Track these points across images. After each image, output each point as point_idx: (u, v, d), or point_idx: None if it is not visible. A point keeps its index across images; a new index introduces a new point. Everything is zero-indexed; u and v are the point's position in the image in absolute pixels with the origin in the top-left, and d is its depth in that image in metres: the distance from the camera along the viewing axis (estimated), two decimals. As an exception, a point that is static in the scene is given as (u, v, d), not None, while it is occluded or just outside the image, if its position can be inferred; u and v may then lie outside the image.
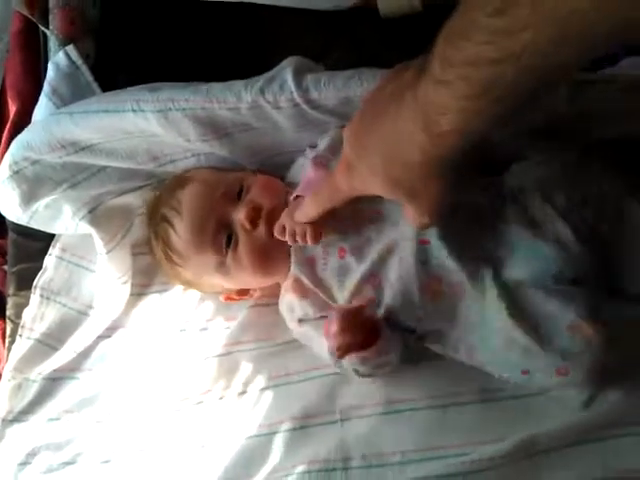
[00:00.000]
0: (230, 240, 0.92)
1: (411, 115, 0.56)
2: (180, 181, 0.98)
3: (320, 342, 0.89)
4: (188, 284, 1.04)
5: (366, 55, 1.05)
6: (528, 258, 0.80)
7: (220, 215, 0.93)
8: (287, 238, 0.86)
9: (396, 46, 1.01)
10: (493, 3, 0.44)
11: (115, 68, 1.09)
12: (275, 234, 0.87)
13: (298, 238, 0.84)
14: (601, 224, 0.81)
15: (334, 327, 0.80)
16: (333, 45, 1.07)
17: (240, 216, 0.91)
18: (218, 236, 0.92)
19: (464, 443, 0.85)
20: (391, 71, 0.65)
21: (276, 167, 1.02)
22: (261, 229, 0.91)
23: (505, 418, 0.86)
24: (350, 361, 0.83)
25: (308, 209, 0.82)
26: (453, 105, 0.52)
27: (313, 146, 0.96)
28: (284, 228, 0.86)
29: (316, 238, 0.84)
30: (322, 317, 0.91)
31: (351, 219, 0.88)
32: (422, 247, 0.83)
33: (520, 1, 0.43)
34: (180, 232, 0.94)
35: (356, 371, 0.87)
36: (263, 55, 1.02)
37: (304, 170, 0.93)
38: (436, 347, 0.88)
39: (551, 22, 0.43)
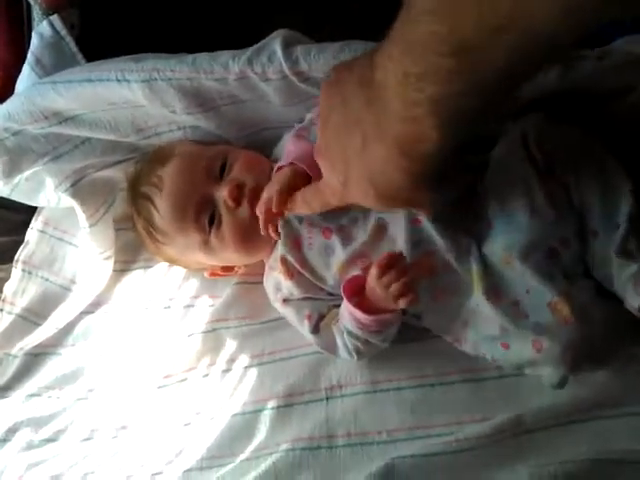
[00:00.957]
0: (213, 218, 0.92)
1: (379, 137, 0.57)
2: (161, 156, 0.97)
3: (302, 322, 0.90)
4: (172, 261, 1.03)
5: (357, 30, 1.04)
6: (504, 229, 0.80)
7: (202, 193, 0.92)
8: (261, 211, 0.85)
9: (387, 22, 1.00)
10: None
11: (100, 39, 1.07)
12: (257, 213, 0.86)
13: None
14: (577, 192, 0.80)
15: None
16: (323, 20, 1.06)
17: (223, 194, 0.90)
18: (201, 215, 0.92)
19: (450, 422, 0.85)
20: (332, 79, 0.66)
21: (263, 143, 1.01)
22: (244, 207, 0.90)
23: (491, 398, 0.86)
24: (368, 329, 0.83)
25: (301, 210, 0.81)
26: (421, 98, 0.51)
27: (301, 121, 0.95)
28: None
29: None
30: (307, 298, 0.91)
31: None
32: (414, 227, 0.83)
33: None
34: (162, 210, 0.93)
35: (356, 348, 0.86)
36: (250, 31, 1.00)
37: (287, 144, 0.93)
38: (431, 326, 0.89)
39: None
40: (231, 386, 0.96)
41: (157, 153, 0.99)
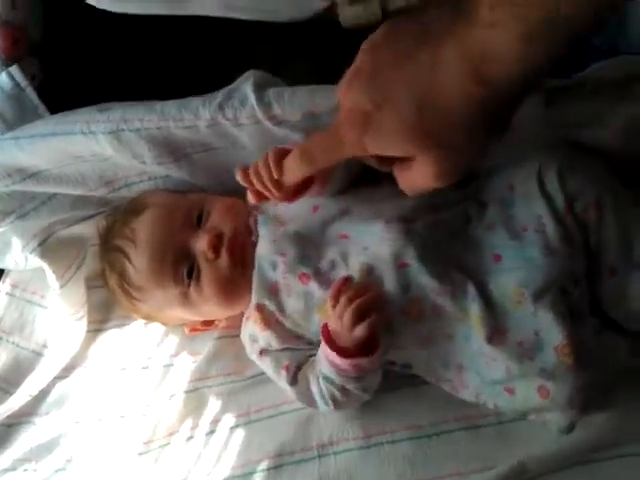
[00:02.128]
0: (192, 271, 0.89)
1: (453, 61, 0.53)
2: (134, 208, 0.94)
3: (279, 374, 0.87)
4: (149, 318, 1.00)
5: (326, 66, 1.03)
6: (516, 264, 0.78)
7: (180, 244, 0.89)
8: (254, 183, 0.78)
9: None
10: None
11: (63, 89, 1.05)
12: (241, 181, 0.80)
13: (268, 187, 0.76)
14: (596, 231, 0.79)
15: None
16: (291, 56, 1.04)
17: (201, 245, 0.88)
18: (179, 267, 0.89)
19: (451, 474, 0.83)
20: (393, 21, 0.61)
21: (238, 188, 0.95)
22: (224, 257, 0.88)
23: (492, 445, 0.85)
24: (344, 374, 0.80)
25: (292, 167, 0.71)
26: (503, 49, 0.50)
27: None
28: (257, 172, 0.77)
29: (287, 198, 0.79)
30: (286, 349, 0.88)
31: (310, 241, 0.86)
32: (402, 271, 0.80)
33: None
34: (137, 264, 0.90)
35: (332, 395, 0.83)
36: (217, 69, 0.99)
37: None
38: (424, 374, 0.87)
39: None
40: (217, 449, 0.92)
41: (130, 205, 0.96)
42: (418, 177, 0.61)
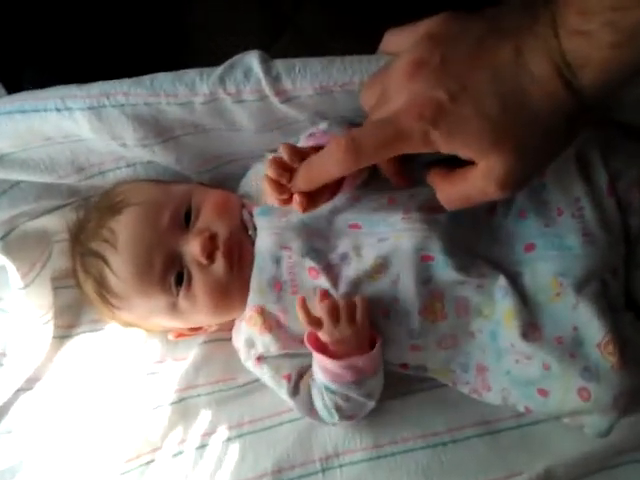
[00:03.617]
0: (181, 277, 0.82)
1: (539, 62, 0.52)
2: (110, 204, 0.85)
3: (280, 384, 0.82)
4: (129, 325, 0.92)
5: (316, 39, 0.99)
6: (553, 254, 0.74)
7: (167, 249, 0.82)
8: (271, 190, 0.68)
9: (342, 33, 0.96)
10: None
11: (20, 63, 0.97)
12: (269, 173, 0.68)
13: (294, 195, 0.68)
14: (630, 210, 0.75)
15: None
16: (280, 28, 0.99)
17: (193, 249, 0.80)
18: (167, 274, 0.82)
19: None
20: (452, 14, 0.60)
21: (227, 177, 0.93)
22: (219, 262, 0.81)
23: (513, 452, 0.82)
24: (341, 380, 0.76)
25: (328, 163, 0.63)
26: (595, 56, 0.50)
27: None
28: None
29: (308, 206, 0.68)
30: (285, 355, 0.82)
31: (317, 231, 0.80)
32: (424, 265, 0.75)
33: None
34: (118, 272, 0.82)
35: (335, 404, 0.79)
36: (195, 44, 0.93)
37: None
38: (441, 377, 0.83)
39: None
40: (208, 466, 0.85)
41: (107, 200, 0.87)
42: (477, 184, 0.58)
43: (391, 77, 0.59)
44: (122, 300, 0.85)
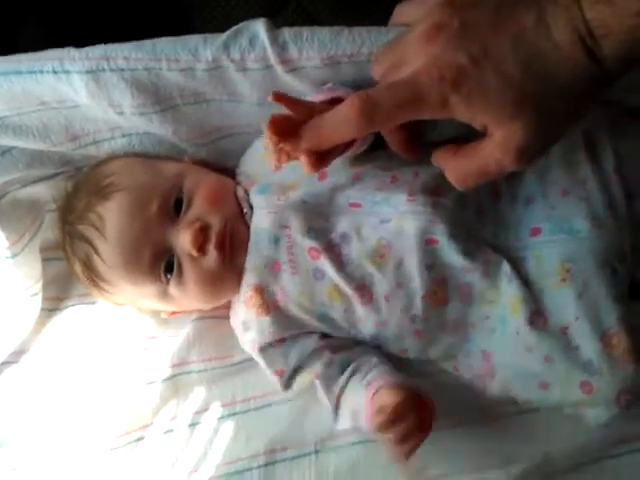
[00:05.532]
0: (171, 265, 0.81)
1: (562, 29, 0.52)
2: (100, 186, 0.83)
3: (271, 376, 0.83)
4: (119, 304, 0.91)
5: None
6: (559, 237, 0.74)
7: (157, 239, 0.81)
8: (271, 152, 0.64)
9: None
10: None
11: (15, 23, 0.95)
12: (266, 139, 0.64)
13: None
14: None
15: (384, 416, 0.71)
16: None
17: (184, 241, 0.79)
18: (156, 264, 0.81)
19: (469, 469, 0.80)
20: None
21: (227, 151, 0.91)
22: (211, 255, 0.80)
23: (511, 438, 0.82)
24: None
25: (341, 122, 0.59)
26: (619, 24, 0.49)
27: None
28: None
29: (317, 165, 0.64)
30: (282, 339, 0.82)
31: (317, 210, 0.79)
32: (429, 248, 0.74)
33: None
34: (107, 260, 0.81)
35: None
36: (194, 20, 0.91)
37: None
38: (444, 363, 0.83)
39: None
40: (200, 443, 0.85)
41: (93, 180, 0.85)
42: (492, 155, 0.57)
43: (408, 43, 0.58)
44: (111, 285, 0.84)
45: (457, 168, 0.61)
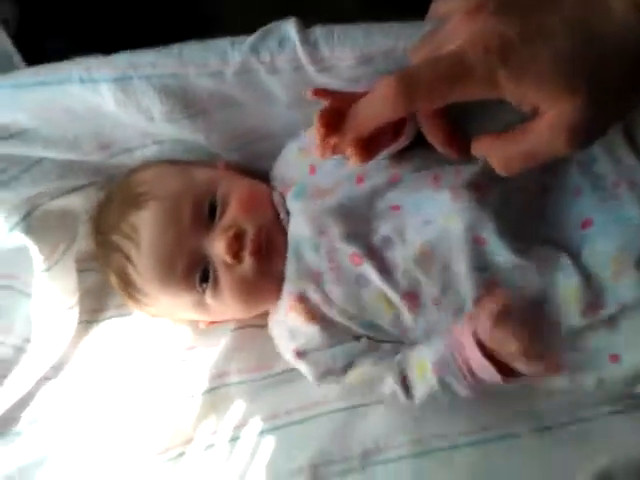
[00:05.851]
0: (206, 275, 0.79)
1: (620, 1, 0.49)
2: (132, 195, 0.82)
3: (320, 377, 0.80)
4: (156, 316, 0.90)
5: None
6: (609, 230, 0.70)
7: (191, 248, 0.79)
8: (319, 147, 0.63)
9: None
10: None
11: (42, 34, 0.95)
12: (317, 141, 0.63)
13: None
14: None
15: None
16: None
17: (218, 249, 0.78)
18: (191, 274, 0.80)
19: None
20: None
21: (259, 155, 0.89)
22: (247, 262, 0.78)
23: (567, 451, 0.76)
24: (473, 381, 0.70)
25: (378, 104, 0.56)
26: None
27: (310, 126, 0.81)
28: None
29: (364, 157, 0.63)
30: (329, 347, 0.78)
31: (357, 214, 0.76)
32: (477, 249, 0.70)
33: None
34: (141, 270, 0.81)
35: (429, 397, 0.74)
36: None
37: None
38: None
39: None
40: (242, 459, 0.82)
41: (126, 189, 0.84)
42: (543, 137, 0.53)
43: (448, 27, 0.55)
44: (147, 296, 0.83)
45: (503, 152, 0.57)
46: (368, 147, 0.62)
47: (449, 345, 0.71)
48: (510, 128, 0.55)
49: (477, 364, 0.68)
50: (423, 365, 0.73)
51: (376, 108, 0.55)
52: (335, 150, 0.61)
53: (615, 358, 0.70)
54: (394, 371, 0.75)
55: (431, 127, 0.65)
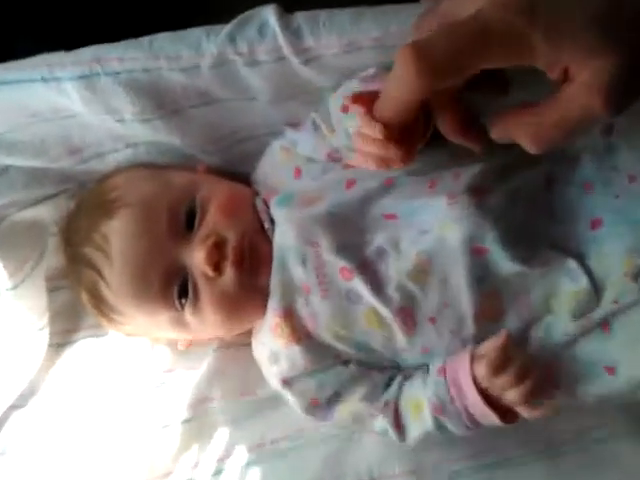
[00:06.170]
0: (185, 288, 0.73)
1: None
2: (104, 202, 0.76)
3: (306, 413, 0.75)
4: (132, 335, 0.84)
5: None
6: (619, 231, 0.65)
7: (168, 260, 0.73)
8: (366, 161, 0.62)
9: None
10: None
11: (11, 34, 0.92)
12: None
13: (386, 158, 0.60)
14: None
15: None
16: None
17: (198, 259, 0.71)
18: (168, 288, 0.73)
19: None
20: None
21: (241, 158, 0.83)
22: (229, 274, 0.71)
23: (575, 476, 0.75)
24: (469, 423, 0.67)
25: (395, 87, 0.51)
26: None
27: (294, 124, 0.76)
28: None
29: (408, 157, 0.60)
30: (314, 371, 0.73)
31: (348, 224, 0.70)
32: (477, 259, 0.64)
33: None
34: (114, 286, 0.74)
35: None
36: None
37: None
38: None
39: None
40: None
41: (97, 196, 0.78)
42: (578, 101, 0.48)
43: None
44: (121, 314, 0.77)
45: (532, 125, 0.51)
46: (401, 141, 0.57)
47: (447, 385, 0.66)
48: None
49: (478, 412, 0.65)
50: (418, 405, 0.69)
51: (397, 90, 0.51)
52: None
53: (611, 370, 0.65)
54: (386, 411, 0.70)
55: (446, 117, 0.59)
